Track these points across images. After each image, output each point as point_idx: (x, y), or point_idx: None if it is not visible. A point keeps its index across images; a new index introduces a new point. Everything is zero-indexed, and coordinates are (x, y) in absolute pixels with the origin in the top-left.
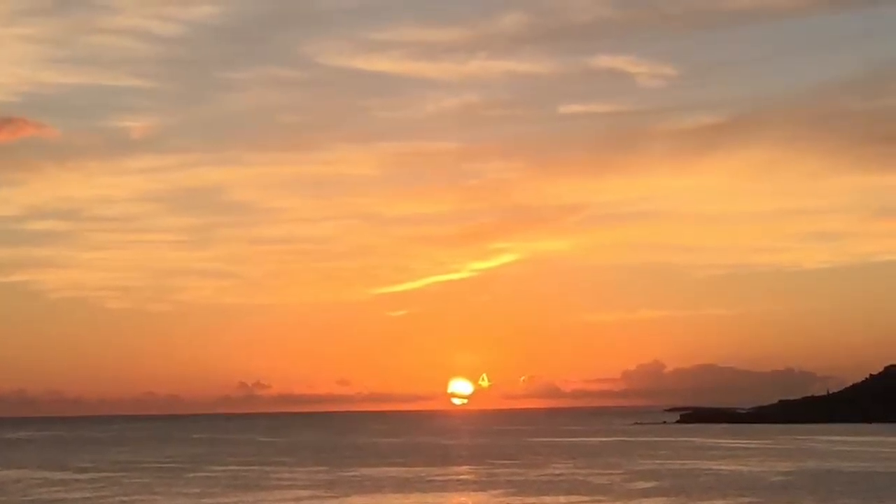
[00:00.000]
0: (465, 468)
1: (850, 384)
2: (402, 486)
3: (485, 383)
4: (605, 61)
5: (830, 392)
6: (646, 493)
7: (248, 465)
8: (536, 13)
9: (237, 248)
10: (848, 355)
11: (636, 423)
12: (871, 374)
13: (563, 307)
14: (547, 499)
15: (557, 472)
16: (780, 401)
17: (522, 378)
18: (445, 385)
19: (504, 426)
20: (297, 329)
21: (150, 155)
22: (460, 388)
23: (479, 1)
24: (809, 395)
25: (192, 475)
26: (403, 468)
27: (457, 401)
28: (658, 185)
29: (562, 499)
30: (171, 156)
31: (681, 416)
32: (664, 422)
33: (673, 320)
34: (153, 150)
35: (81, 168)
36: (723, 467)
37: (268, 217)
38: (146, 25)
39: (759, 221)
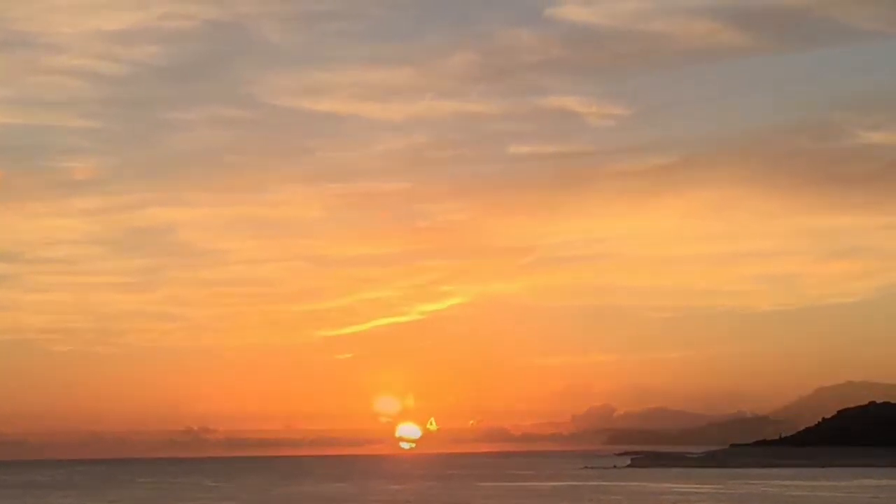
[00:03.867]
0: None
1: (803, 428)
2: None
3: (433, 427)
4: (554, 101)
5: (783, 436)
6: None
7: None
8: (485, 53)
9: (183, 291)
10: (800, 399)
11: (586, 468)
12: (823, 418)
13: (513, 350)
14: None
15: None
16: (732, 444)
17: (471, 422)
18: (393, 429)
19: (453, 470)
20: (244, 372)
21: (95, 196)
22: (408, 431)
23: (428, 41)
24: (761, 438)
25: None
26: None
27: (405, 445)
28: (609, 227)
29: None
30: (116, 197)
31: (631, 459)
32: (614, 466)
33: (623, 363)
34: (97, 191)
35: (25, 209)
36: None
37: (213, 259)
38: (90, 65)
39: (710, 263)
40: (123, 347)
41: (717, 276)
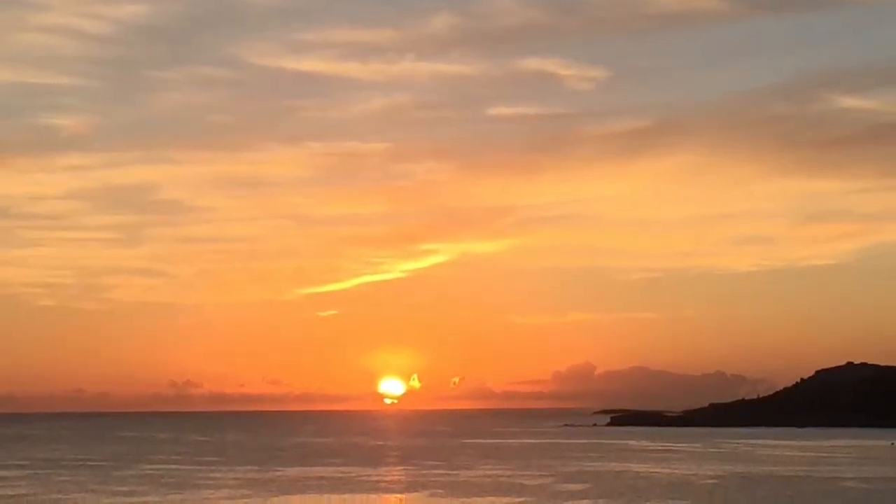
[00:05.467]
0: (396, 469)
1: (782, 388)
2: (333, 486)
3: (415, 383)
4: (533, 63)
5: (761, 396)
6: (576, 496)
7: (178, 463)
8: (465, 15)
9: (166, 247)
10: (779, 359)
11: (567, 425)
12: (802, 378)
13: (494, 309)
14: (478, 500)
15: (488, 473)
16: (711, 404)
17: (455, 379)
18: (376, 385)
19: (435, 427)
20: (227, 328)
21: (80, 153)
22: (391, 388)
23: (408, 2)
24: (740, 398)
25: (122, 473)
26: (334, 468)
27: (388, 401)
28: (587, 189)
29: (493, 500)
30: (101, 154)
31: (611, 418)
32: (594, 424)
33: (603, 323)
34: (83, 148)
35: (11, 165)
36: (652, 470)
37: (197, 216)
38: (76, 24)
39: (688, 225)
40: (107, 303)
41: (694, 237)
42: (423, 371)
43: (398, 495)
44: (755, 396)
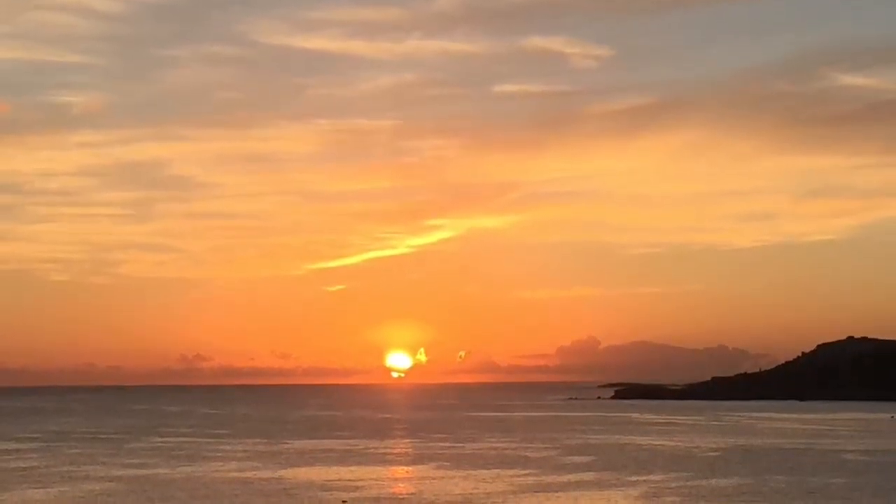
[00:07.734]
0: (402, 442)
1: (783, 362)
2: (341, 459)
3: (422, 358)
4: (539, 42)
5: (763, 369)
6: (580, 468)
7: (188, 436)
8: None
9: (176, 223)
10: (780, 333)
11: (571, 399)
12: (803, 352)
13: (500, 284)
14: (484, 472)
15: (494, 445)
16: (713, 378)
17: (461, 353)
18: (383, 359)
19: (441, 400)
20: (237, 303)
21: (91, 130)
22: (398, 362)
23: None
24: (742, 372)
25: (133, 446)
26: (341, 441)
27: (395, 374)
28: (592, 165)
29: (498, 472)
30: (112, 131)
31: (615, 391)
32: (599, 397)
33: (607, 297)
34: (94, 125)
35: (23, 142)
36: (656, 442)
37: (207, 192)
38: (87, 2)
39: (691, 201)
40: (118, 278)
41: (697, 213)
42: (429, 345)
43: (405, 467)
44: (757, 370)
